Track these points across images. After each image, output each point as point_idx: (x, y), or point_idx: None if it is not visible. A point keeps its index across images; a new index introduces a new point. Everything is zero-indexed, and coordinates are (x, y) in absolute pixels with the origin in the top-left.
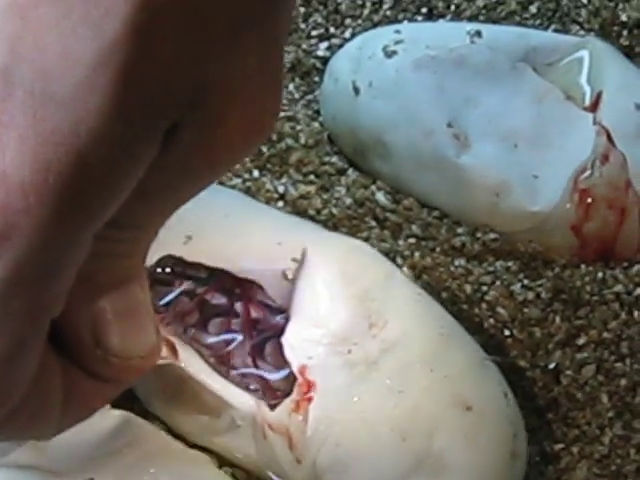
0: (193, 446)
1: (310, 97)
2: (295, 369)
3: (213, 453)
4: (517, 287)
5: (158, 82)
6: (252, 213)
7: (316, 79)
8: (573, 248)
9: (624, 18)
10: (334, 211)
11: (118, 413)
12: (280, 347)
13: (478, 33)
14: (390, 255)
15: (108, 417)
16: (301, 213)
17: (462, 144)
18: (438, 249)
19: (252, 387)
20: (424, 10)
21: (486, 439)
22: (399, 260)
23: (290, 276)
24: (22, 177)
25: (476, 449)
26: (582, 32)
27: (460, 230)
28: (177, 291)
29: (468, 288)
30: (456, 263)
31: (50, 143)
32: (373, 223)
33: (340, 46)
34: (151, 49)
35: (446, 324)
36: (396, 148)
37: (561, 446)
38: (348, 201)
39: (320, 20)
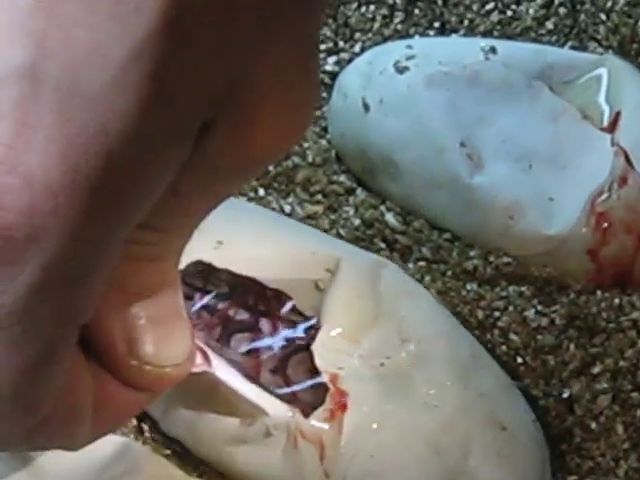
0: (200, 475)
1: (318, 113)
2: (326, 378)
3: (225, 477)
4: (531, 313)
5: (190, 80)
6: (284, 223)
7: (324, 95)
8: (589, 273)
9: None
10: (342, 232)
11: (118, 439)
12: (307, 359)
13: (493, 49)
14: None
15: (108, 442)
16: None
17: (475, 164)
18: (449, 273)
19: (282, 398)
20: (436, 24)
21: (519, 460)
22: None
23: (322, 286)
24: (49, 179)
25: (509, 469)
26: (600, 49)
27: (472, 253)
28: (198, 305)
29: (480, 313)
30: (468, 287)
31: (78, 144)
32: (382, 245)
33: (349, 61)
34: (182, 46)
35: (474, 346)
36: (407, 167)
37: (574, 478)
38: (356, 222)
39: (329, 34)
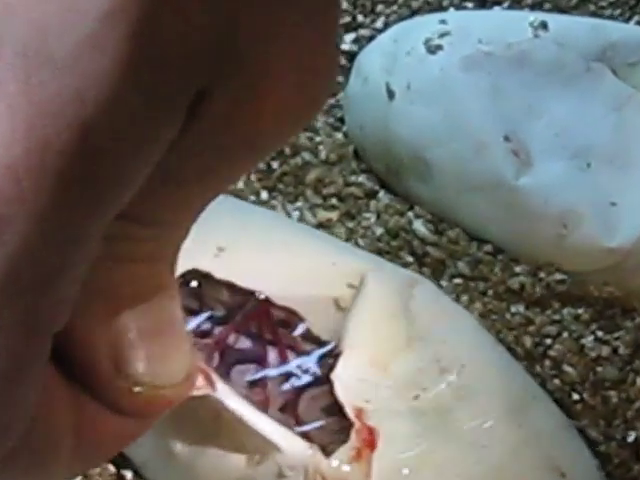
0: None
1: (332, 101)
2: (350, 412)
3: None
4: (589, 340)
5: (181, 39)
6: (296, 230)
7: (340, 79)
8: None
9: None
10: (361, 243)
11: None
12: (323, 392)
13: (543, 25)
14: None
15: None
16: None
17: (522, 162)
18: (491, 292)
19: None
20: None
21: None
22: None
23: (343, 305)
24: (13, 158)
25: None
26: None
27: (518, 269)
28: (189, 328)
29: (528, 340)
30: (513, 309)
31: (48, 115)
32: (410, 258)
33: (370, 38)
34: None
35: (527, 379)
36: (439, 166)
37: None
38: (379, 231)
39: (346, 6)
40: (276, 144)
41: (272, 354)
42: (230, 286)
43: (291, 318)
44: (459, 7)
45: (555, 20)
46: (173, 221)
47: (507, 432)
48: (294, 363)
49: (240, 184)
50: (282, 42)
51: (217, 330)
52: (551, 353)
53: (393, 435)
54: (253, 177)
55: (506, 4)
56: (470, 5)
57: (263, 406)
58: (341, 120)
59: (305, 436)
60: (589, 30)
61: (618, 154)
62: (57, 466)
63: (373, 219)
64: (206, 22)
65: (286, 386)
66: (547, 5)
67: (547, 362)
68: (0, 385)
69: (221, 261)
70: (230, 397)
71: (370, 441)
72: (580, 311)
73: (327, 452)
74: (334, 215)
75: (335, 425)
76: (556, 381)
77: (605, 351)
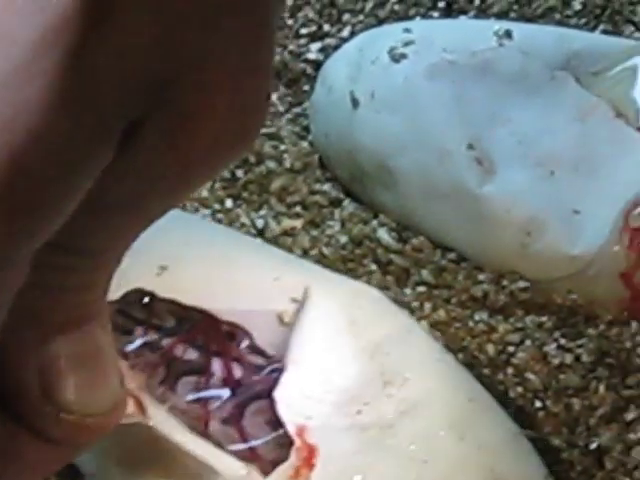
0: None
1: (298, 110)
2: (291, 430)
3: None
4: (552, 348)
5: (115, 70)
6: (240, 244)
7: (305, 88)
8: (622, 301)
9: None
10: (325, 251)
11: None
12: (267, 410)
13: (508, 34)
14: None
15: None
16: None
17: (485, 170)
18: (454, 300)
19: (236, 454)
20: (441, 4)
21: None
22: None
23: (287, 319)
24: None
25: None
26: (638, 34)
27: (482, 277)
28: (138, 341)
29: (491, 348)
30: (476, 317)
31: None
32: (374, 267)
33: (336, 47)
34: (107, 29)
35: (474, 388)
36: (403, 175)
37: None
38: (343, 239)
39: (312, 15)
40: (207, 176)
41: (216, 365)
42: (174, 304)
43: (237, 332)
44: (425, 16)
45: (520, 29)
46: (104, 250)
47: (449, 446)
48: (239, 376)
49: (204, 192)
50: (215, 82)
51: (165, 341)
52: (514, 361)
53: (333, 452)
54: (217, 185)
55: (472, 13)
56: (436, 14)
57: (204, 421)
58: (306, 129)
59: (251, 451)
60: (554, 39)
61: (581, 162)
62: None
63: (337, 227)
64: (139, 56)
65: (230, 399)
66: (513, 14)
67: (510, 370)
68: None
69: (164, 280)
70: (164, 422)
71: (309, 460)
72: (543, 319)
73: (272, 467)
74: (298, 223)
75: (281, 439)
76: (519, 389)
77: (568, 359)
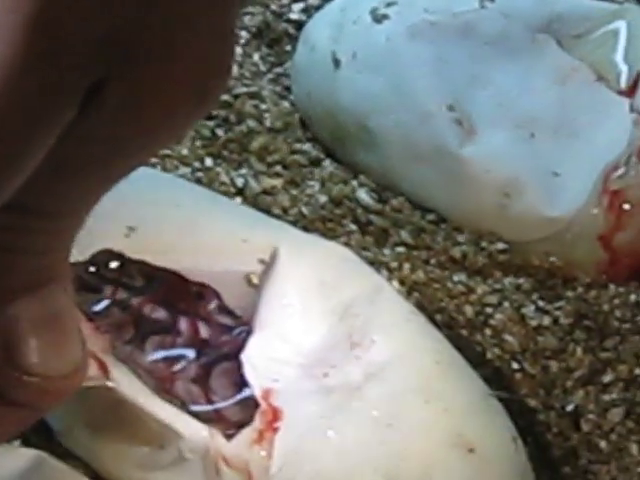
0: None
1: (279, 70)
2: (257, 393)
3: None
4: (530, 310)
5: (78, 29)
6: (210, 204)
7: (287, 48)
8: (600, 264)
9: None
10: (305, 211)
11: (30, 452)
12: (234, 371)
13: None
14: (374, 266)
15: (18, 457)
16: (264, 212)
17: (466, 131)
18: (433, 261)
19: (199, 414)
20: None
21: None
22: (384, 273)
23: (255, 281)
24: None
25: None
26: None
27: (461, 238)
28: (107, 301)
29: (469, 310)
30: (455, 278)
31: None
32: (353, 227)
33: (318, 8)
34: None
35: (444, 350)
36: (384, 135)
37: None
38: (323, 199)
39: None
40: (169, 137)
41: (184, 325)
42: (143, 265)
43: (205, 292)
44: None
45: None
46: (66, 212)
47: (414, 409)
48: (206, 336)
49: (184, 151)
50: (176, 41)
51: (134, 300)
52: (492, 322)
53: (298, 416)
54: (198, 144)
55: None
56: None
57: (170, 380)
58: (288, 89)
59: (216, 412)
60: (535, 1)
61: (561, 125)
62: None
63: (317, 187)
64: (103, 16)
65: (197, 359)
66: None
67: (488, 331)
68: None
69: (132, 241)
70: (127, 384)
71: (273, 423)
72: (521, 281)
73: (236, 428)
74: (278, 183)
75: (247, 401)
76: (496, 350)
77: (546, 321)
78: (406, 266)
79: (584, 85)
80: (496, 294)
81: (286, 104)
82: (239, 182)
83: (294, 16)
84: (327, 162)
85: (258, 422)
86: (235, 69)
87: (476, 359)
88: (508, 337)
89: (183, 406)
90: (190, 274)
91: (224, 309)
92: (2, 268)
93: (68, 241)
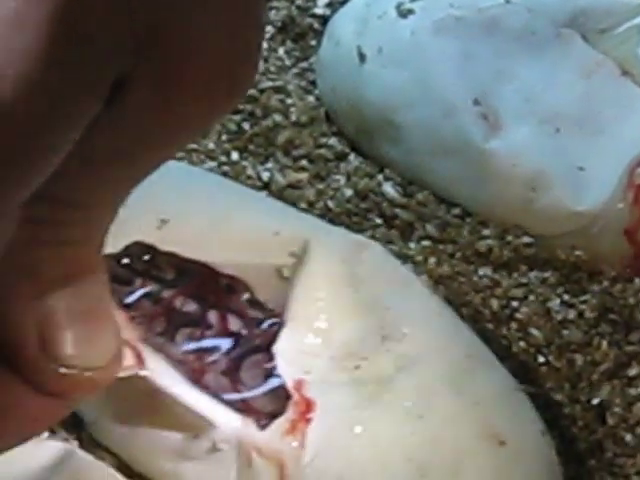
0: None
1: (304, 64)
2: (289, 384)
3: None
4: (555, 303)
5: (102, 22)
6: (241, 197)
7: (312, 42)
8: (626, 258)
9: None
10: (330, 204)
11: (58, 445)
12: (264, 363)
13: None
14: (399, 260)
15: (45, 449)
16: (289, 206)
17: (491, 126)
18: (458, 255)
19: (233, 406)
20: None
21: None
22: (410, 267)
23: (286, 274)
24: None
25: None
26: None
27: (486, 232)
28: (138, 293)
29: (495, 303)
30: (480, 272)
31: None
32: (379, 220)
33: (343, 2)
34: None
35: (473, 343)
36: (409, 130)
37: None
38: (348, 193)
39: None
40: (197, 130)
41: (214, 318)
42: (174, 257)
43: (236, 285)
44: None
45: None
46: (98, 204)
47: (445, 401)
48: (237, 329)
49: (211, 144)
50: (203, 30)
51: (165, 293)
52: (517, 316)
53: (330, 407)
54: (224, 137)
55: None
56: None
57: (201, 372)
58: (313, 83)
59: (247, 402)
60: None
61: (586, 120)
62: None
63: (343, 181)
64: (130, 9)
65: (228, 351)
66: None
67: (513, 325)
68: None
69: (164, 233)
70: (162, 374)
71: (306, 414)
72: (547, 274)
73: (268, 419)
74: (304, 176)
75: (278, 392)
76: (522, 344)
77: (571, 314)
78: (431, 260)
79: (609, 80)
80: (522, 288)
81: (311, 98)
82: (265, 176)
83: (319, 11)
84: (352, 156)
85: (291, 412)
86: (260, 64)
87: (502, 353)
88: (534, 331)
89: (216, 396)
90: (221, 267)
91: (255, 302)
92: (37, 260)
93: (101, 232)
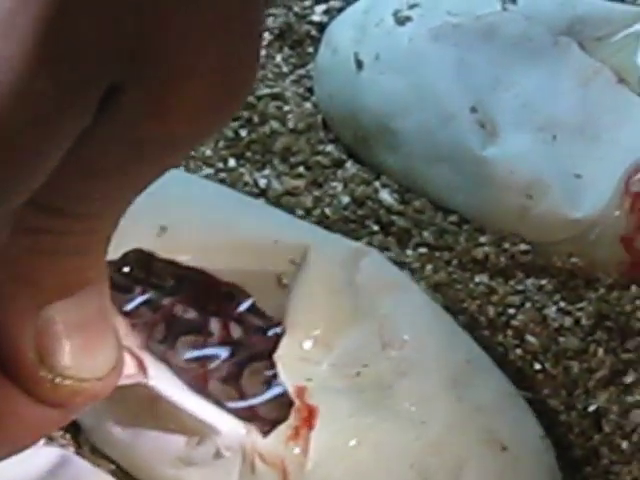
0: None
1: (302, 72)
2: (291, 391)
3: None
4: (552, 311)
5: (92, 29)
6: (240, 205)
7: (310, 50)
8: (622, 265)
9: None
10: (327, 211)
11: (55, 451)
12: (265, 370)
13: None
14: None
15: (43, 455)
16: (287, 213)
17: (488, 133)
18: (455, 262)
19: (236, 413)
20: None
21: None
22: (407, 274)
23: (286, 281)
24: None
25: None
26: None
27: (483, 239)
28: (137, 300)
29: (491, 310)
30: (477, 279)
31: None
32: (375, 227)
33: (340, 10)
34: None
35: (472, 350)
36: (406, 137)
37: None
38: (345, 200)
39: None
40: (192, 142)
41: (215, 325)
42: (174, 265)
43: (236, 293)
44: None
45: None
46: (98, 214)
47: (447, 407)
48: (238, 337)
49: (208, 151)
50: (199, 43)
51: (165, 301)
52: (514, 323)
53: (332, 414)
54: (221, 144)
55: None
56: None
57: (203, 379)
58: (310, 90)
59: (250, 410)
60: (557, 4)
61: (584, 127)
62: None
63: (340, 188)
64: (123, 18)
65: (229, 359)
66: None
67: (510, 332)
68: None
69: (164, 240)
70: (164, 382)
71: (309, 420)
72: (543, 282)
73: (271, 426)
74: (301, 183)
75: (281, 399)
76: (518, 351)
77: (567, 322)
78: (428, 267)
79: (606, 87)
80: (518, 295)
81: (308, 105)
82: (262, 183)
83: (316, 18)
84: (349, 163)
85: (293, 419)
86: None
87: (498, 359)
88: (530, 338)
89: (219, 404)
90: (221, 274)
91: (255, 309)
92: (36, 270)
93: (102, 243)
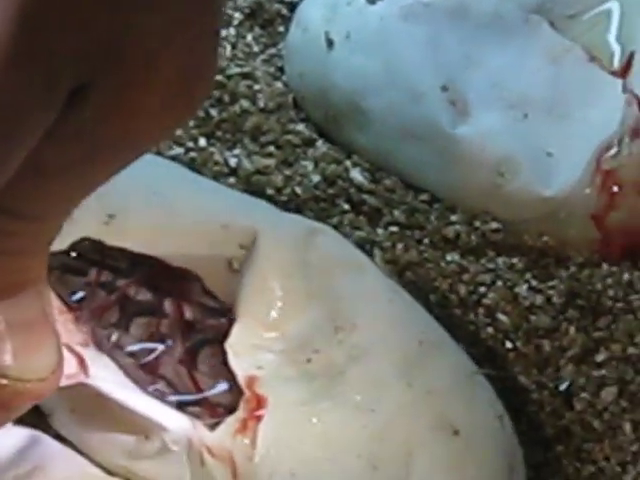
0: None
1: (272, 51)
2: (241, 381)
3: None
4: (523, 289)
5: (63, 31)
6: (191, 189)
7: (281, 29)
8: (593, 243)
9: None
10: (298, 190)
11: (25, 431)
12: (220, 354)
13: None
14: (366, 246)
15: (13, 436)
16: (257, 192)
17: (459, 111)
18: (426, 240)
19: (186, 403)
20: None
21: (475, 470)
22: (377, 252)
23: (236, 266)
24: None
25: None
26: None
27: (454, 218)
28: (90, 287)
29: (462, 289)
30: (448, 258)
31: None
32: (346, 206)
33: None
34: None
35: (428, 330)
36: (377, 115)
37: None
38: (316, 178)
39: None
40: (154, 140)
41: (168, 306)
42: (124, 252)
43: (188, 276)
44: None
45: None
46: (45, 215)
47: (397, 393)
48: (192, 318)
49: (178, 131)
50: (160, 45)
51: (120, 282)
52: (485, 301)
53: (281, 403)
54: (191, 123)
55: None
56: None
57: (155, 364)
58: (281, 69)
59: (203, 397)
60: None
61: (555, 105)
62: None
63: (310, 167)
64: (92, 20)
65: (183, 342)
66: None
67: (481, 310)
68: None
69: (112, 228)
70: (106, 379)
71: (257, 411)
72: (515, 260)
73: (224, 413)
74: (272, 162)
75: (233, 386)
76: (490, 329)
77: (539, 300)
78: (399, 246)
79: (577, 65)
80: (489, 273)
81: (279, 84)
82: (232, 162)
83: None
84: (320, 142)
85: (242, 411)
86: (228, 49)
87: (469, 338)
88: (501, 316)
89: (166, 395)
90: (171, 260)
91: (207, 292)
92: None
93: (46, 243)
